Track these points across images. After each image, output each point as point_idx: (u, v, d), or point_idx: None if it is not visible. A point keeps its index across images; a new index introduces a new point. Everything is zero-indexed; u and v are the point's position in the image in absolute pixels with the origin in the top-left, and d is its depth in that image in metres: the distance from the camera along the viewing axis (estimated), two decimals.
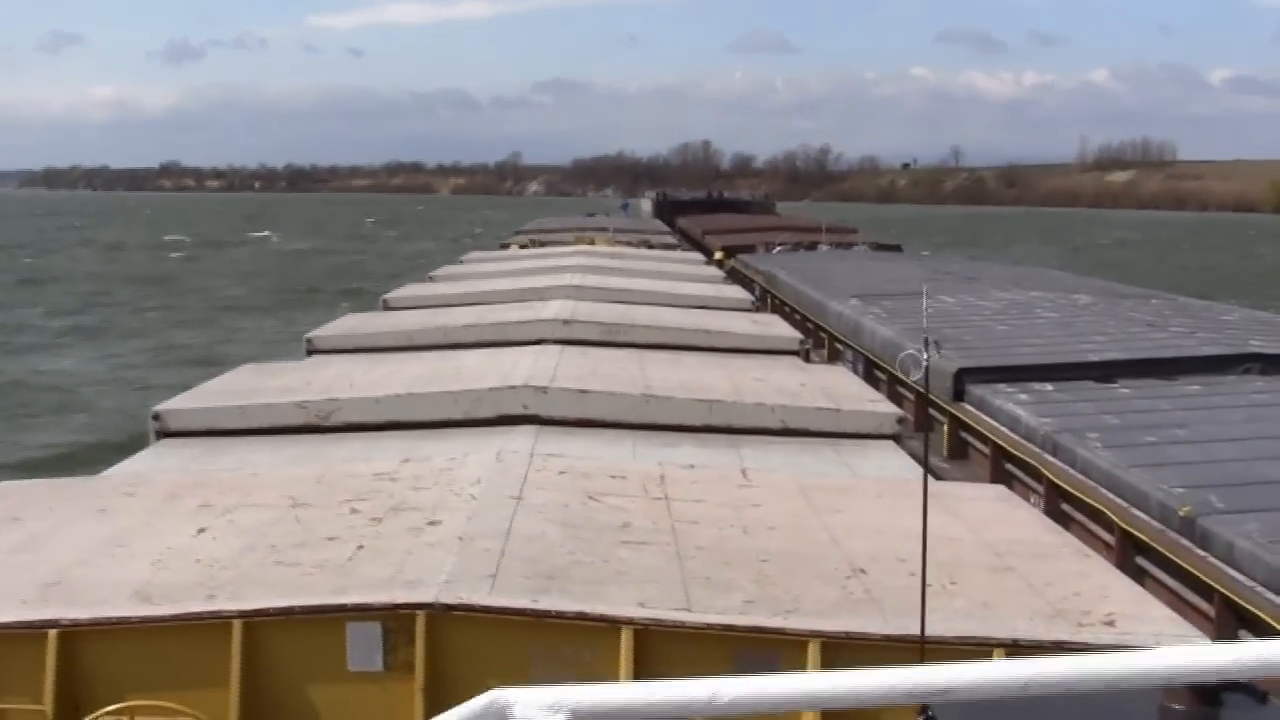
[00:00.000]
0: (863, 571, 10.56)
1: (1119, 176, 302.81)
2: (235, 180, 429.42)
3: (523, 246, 55.41)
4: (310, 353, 23.74)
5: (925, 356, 6.46)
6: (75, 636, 9.39)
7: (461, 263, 45.39)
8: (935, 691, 3.25)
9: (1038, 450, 18.28)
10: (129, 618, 9.45)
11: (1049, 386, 21.27)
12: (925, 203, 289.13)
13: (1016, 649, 9.25)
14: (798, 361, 23.19)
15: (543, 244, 55.70)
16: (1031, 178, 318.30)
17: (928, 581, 8.30)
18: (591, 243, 53.93)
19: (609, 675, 9.21)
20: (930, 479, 14.25)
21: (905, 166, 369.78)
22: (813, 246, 62.00)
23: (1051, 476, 17.54)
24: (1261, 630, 12.14)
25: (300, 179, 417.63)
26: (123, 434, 32.11)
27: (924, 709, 6.84)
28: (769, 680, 3.31)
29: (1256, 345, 24.17)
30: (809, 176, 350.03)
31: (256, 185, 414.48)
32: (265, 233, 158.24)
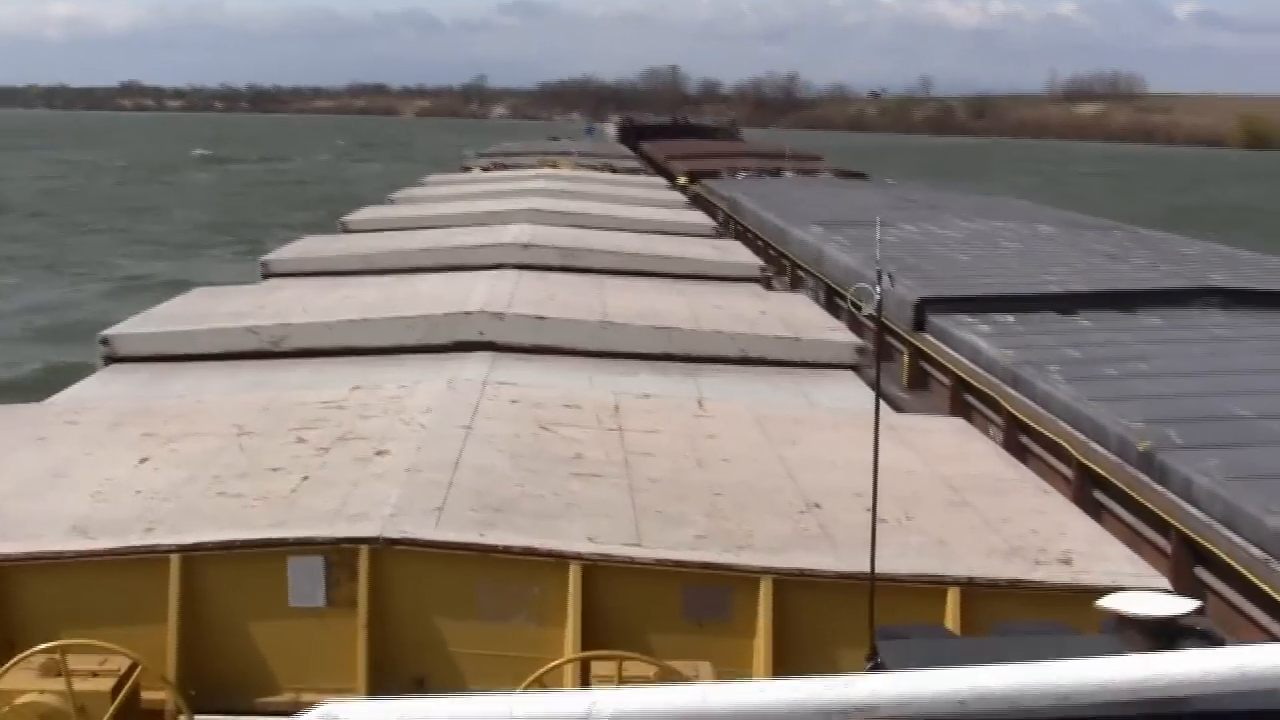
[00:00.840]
0: (817, 506, 10.36)
1: (1088, 109, 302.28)
2: (197, 100, 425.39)
3: (485, 169, 54.91)
4: (266, 276, 23.37)
5: (878, 290, 6.23)
6: (7, 571, 9.14)
7: (422, 185, 44.91)
8: (851, 704, 3.03)
9: (998, 382, 18.11)
10: (63, 552, 9.20)
11: (1010, 318, 21.10)
12: (894, 131, 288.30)
13: (971, 587, 9.08)
14: (759, 289, 22.96)
15: (505, 167, 55.21)
16: (1000, 108, 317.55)
17: (883, 517, 8.12)
18: (554, 166, 53.46)
19: (557, 611, 9.03)
20: (887, 411, 14.13)
21: (874, 95, 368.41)
22: (777, 173, 61.64)
23: (1011, 409, 17.38)
24: (1218, 568, 12.01)
25: (263, 100, 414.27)
26: (70, 359, 31.60)
27: (872, 652, 6.65)
28: (653, 693, 3.04)
29: (1217, 279, 24.05)
30: (776, 104, 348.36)
31: (218, 105, 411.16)
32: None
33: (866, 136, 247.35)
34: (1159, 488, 13.30)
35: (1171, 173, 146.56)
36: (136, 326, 17.79)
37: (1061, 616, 7.89)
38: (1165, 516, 12.94)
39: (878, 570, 7.88)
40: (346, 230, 30.28)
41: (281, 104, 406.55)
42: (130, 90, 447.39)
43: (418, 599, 9.09)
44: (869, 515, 7.81)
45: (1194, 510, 12.53)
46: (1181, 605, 5.68)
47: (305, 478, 10.43)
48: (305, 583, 9.13)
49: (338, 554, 9.08)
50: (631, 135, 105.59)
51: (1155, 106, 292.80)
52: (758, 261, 26.25)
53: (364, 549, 9.02)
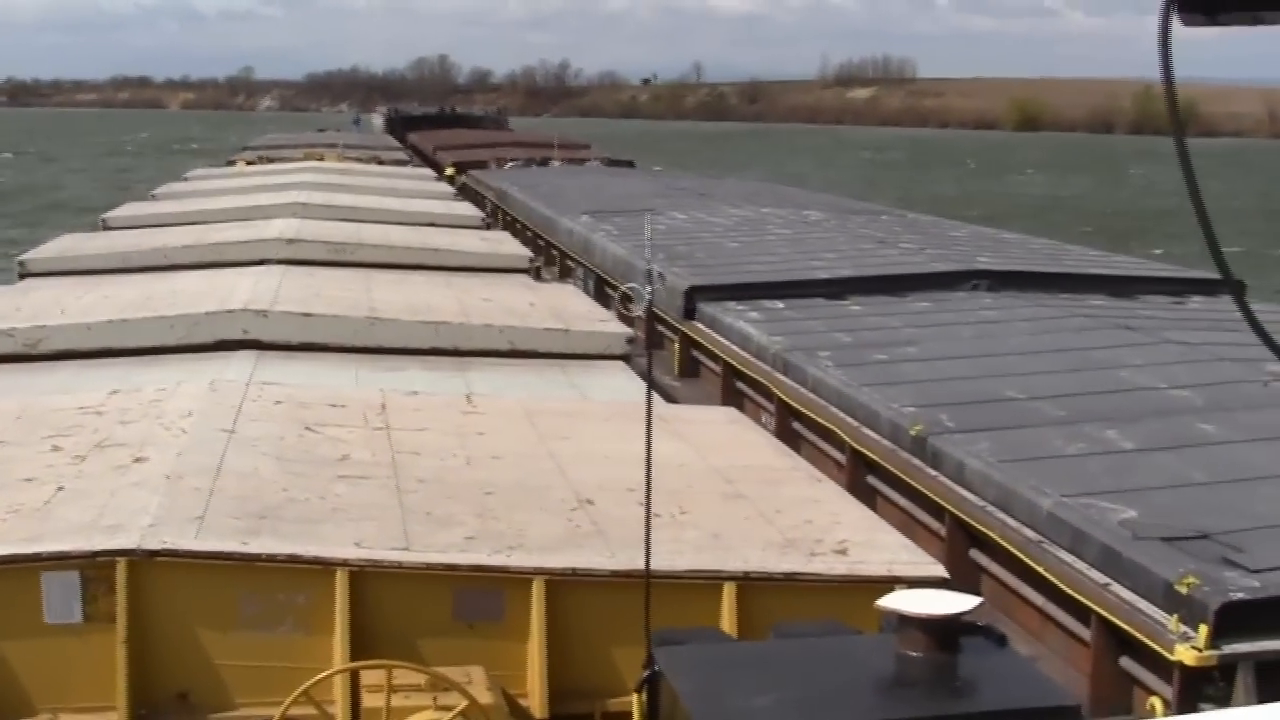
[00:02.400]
0: (590, 502, 10.21)
1: (860, 93, 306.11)
2: None
3: (250, 163, 53.97)
4: (23, 276, 22.64)
5: (649, 291, 6.09)
6: None
7: (186, 180, 43.98)
8: None
9: (768, 369, 18.13)
10: None
11: (780, 304, 21.18)
12: (667, 118, 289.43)
13: (748, 581, 9.00)
14: (528, 280, 22.82)
15: (271, 160, 54.34)
16: (773, 94, 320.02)
17: (656, 512, 7.97)
18: (320, 159, 52.76)
19: (324, 619, 8.76)
20: (659, 402, 14.01)
21: (646, 82, 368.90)
22: (545, 162, 61.51)
23: (783, 395, 17.40)
24: (992, 551, 12.09)
25: (22, 93, 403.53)
26: None
27: (649, 661, 6.52)
28: None
29: (984, 261, 24.42)
30: (549, 92, 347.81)
31: None
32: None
33: (640, 123, 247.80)
34: (932, 472, 13.37)
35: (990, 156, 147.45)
36: None
37: (840, 609, 7.86)
38: (939, 501, 13.01)
39: (653, 567, 7.76)
40: (107, 228, 29.46)
41: (42, 97, 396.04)
42: None
43: (180, 612, 8.74)
44: (643, 510, 7.70)
45: (967, 494, 12.61)
46: (962, 602, 5.63)
47: (60, 488, 9.99)
48: (61, 599, 8.73)
49: (94, 568, 8.69)
50: (399, 126, 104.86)
51: (927, 90, 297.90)
52: (526, 253, 26.11)
53: (122, 562, 8.65)
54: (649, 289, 6.59)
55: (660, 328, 22.14)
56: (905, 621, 5.56)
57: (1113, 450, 12.91)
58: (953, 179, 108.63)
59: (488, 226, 32.75)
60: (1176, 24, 3.15)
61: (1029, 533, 11.43)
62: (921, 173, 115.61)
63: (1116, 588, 10.08)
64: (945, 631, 5.43)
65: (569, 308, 19.15)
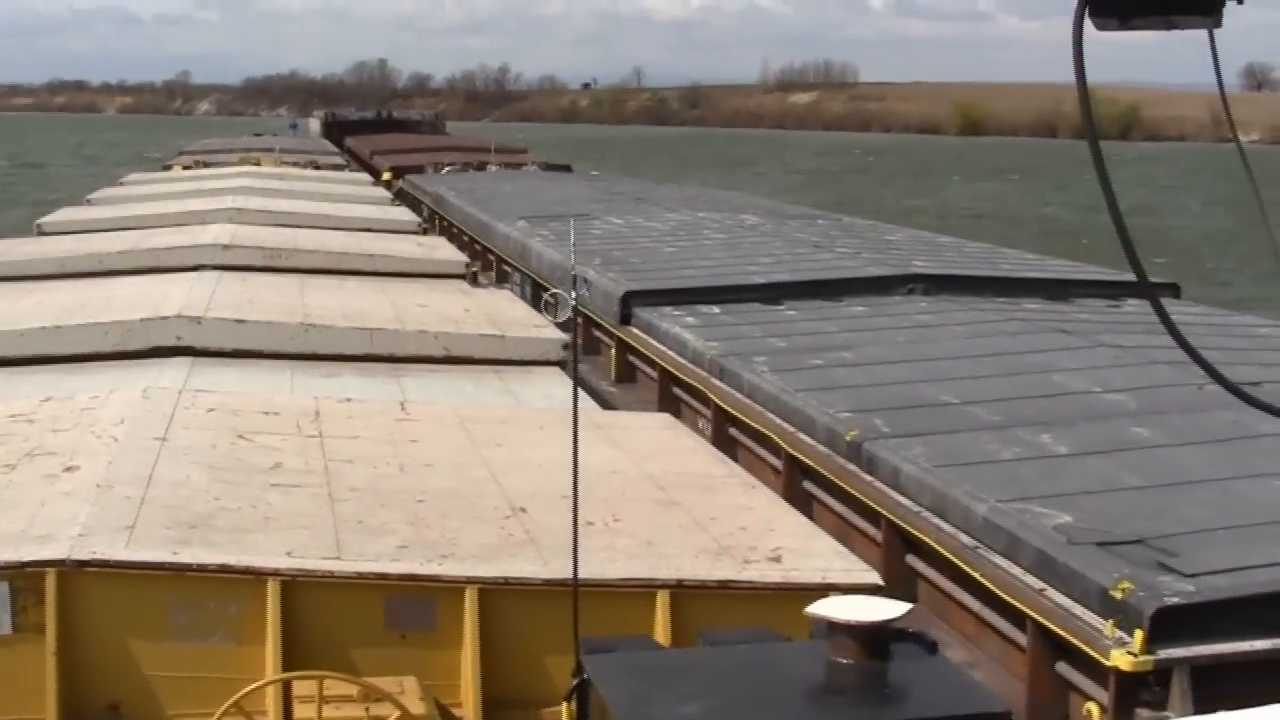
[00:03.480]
0: (523, 510, 10.14)
1: (802, 98, 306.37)
2: None
3: (186, 168, 53.63)
4: None
5: (573, 296, 6.05)
6: None
7: (122, 184, 43.65)
8: None
9: (704, 374, 18.13)
10: None
11: (716, 309, 21.19)
12: (608, 123, 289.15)
13: (680, 589, 8.95)
14: (463, 286, 22.70)
15: (207, 165, 54.01)
16: (714, 98, 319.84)
17: (589, 519, 7.95)
18: (257, 163, 52.44)
19: (256, 630, 8.66)
20: (594, 409, 13.99)
21: (586, 86, 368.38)
22: (482, 167, 61.42)
23: (719, 401, 17.39)
24: (928, 556, 12.09)
25: None
26: None
27: (578, 669, 6.46)
28: None
29: (920, 265, 24.52)
30: (488, 97, 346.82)
31: None
32: None
33: (580, 128, 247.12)
34: (868, 477, 13.38)
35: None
36: None
37: (774, 617, 7.81)
38: (875, 506, 13.01)
39: (584, 575, 7.70)
40: (41, 233, 29.19)
41: None
42: None
43: (110, 622, 8.63)
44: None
45: (902, 499, 12.62)
46: (893, 609, 5.59)
47: None
48: None
49: (24, 578, 8.57)
50: (335, 130, 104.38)
51: (869, 95, 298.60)
52: (462, 258, 25.98)
53: (51, 572, 8.52)
54: (574, 294, 6.53)
55: (596, 333, 22.11)
56: (835, 628, 5.51)
57: (1047, 455, 12.96)
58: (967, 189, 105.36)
59: (424, 232, 32.62)
60: (1090, 27, 3.14)
61: (964, 538, 11.45)
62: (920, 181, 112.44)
63: (1052, 593, 10.10)
64: (875, 638, 5.40)
65: (505, 313, 19.07)
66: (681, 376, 18.97)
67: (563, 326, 19.03)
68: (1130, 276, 23.92)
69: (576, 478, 6.76)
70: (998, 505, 11.35)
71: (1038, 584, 10.28)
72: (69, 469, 10.45)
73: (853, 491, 13.60)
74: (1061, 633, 9.82)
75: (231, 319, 16.83)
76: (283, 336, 16.71)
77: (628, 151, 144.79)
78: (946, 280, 22.95)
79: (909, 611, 5.66)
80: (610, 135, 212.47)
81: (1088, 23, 3.25)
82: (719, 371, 17.80)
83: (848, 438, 13.95)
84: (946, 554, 11.60)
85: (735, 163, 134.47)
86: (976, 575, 11.04)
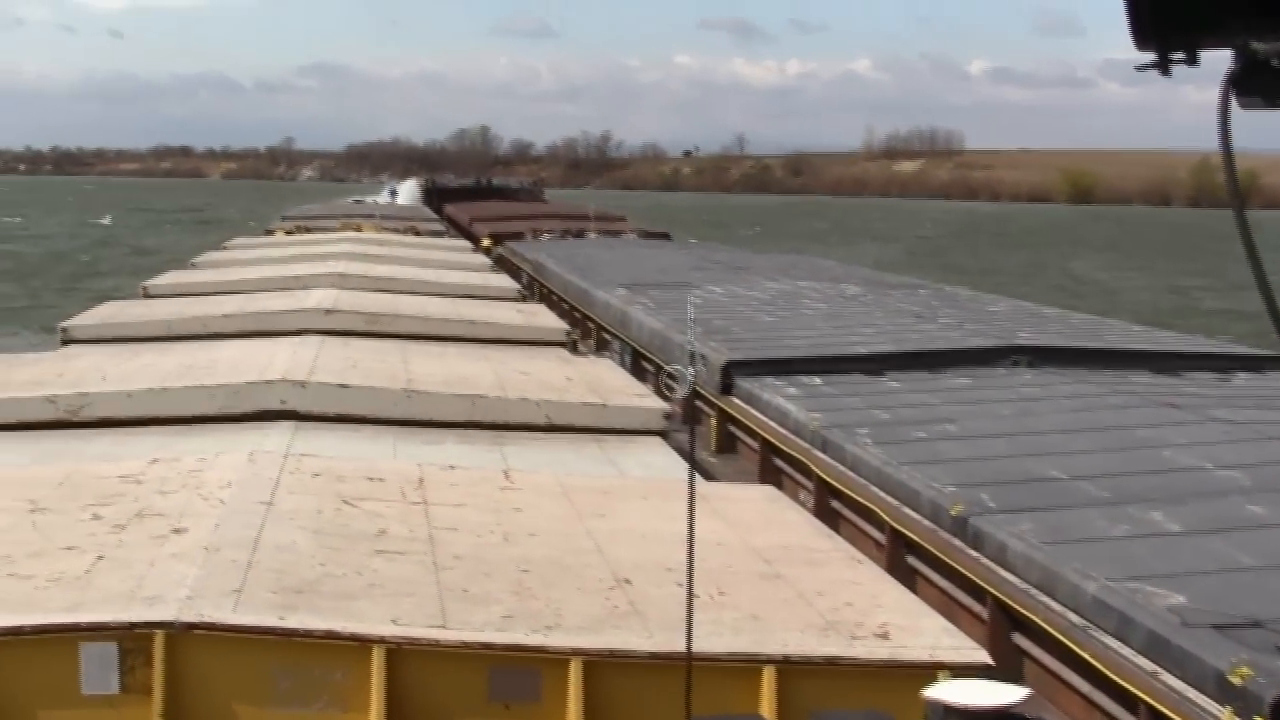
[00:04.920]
0: (627, 582, 10.09)
1: (907, 165, 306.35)
2: None
3: (288, 233, 54.25)
4: (65, 343, 22.73)
5: (691, 373, 6.01)
6: None
7: (225, 249, 44.23)
8: None
9: (807, 446, 17.99)
10: None
11: (818, 380, 21.05)
12: (710, 190, 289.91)
13: (787, 665, 8.86)
14: (564, 353, 22.77)
15: (309, 230, 54.58)
16: (817, 166, 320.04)
17: (694, 593, 7.85)
18: (358, 229, 52.99)
19: (360, 697, 8.65)
20: (697, 479, 13.91)
21: (687, 154, 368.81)
22: (581, 234, 61.66)
23: (821, 473, 17.25)
24: (1035, 635, 11.91)
25: (67, 162, 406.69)
26: None
27: None
28: None
29: (1024, 337, 24.27)
30: (590, 164, 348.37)
31: (21, 168, 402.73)
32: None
33: (682, 196, 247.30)
34: (973, 553, 13.19)
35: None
36: None
37: (882, 694, 7.73)
38: (981, 583, 12.82)
39: (692, 650, 7.63)
40: (148, 295, 29.59)
41: (86, 166, 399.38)
42: None
43: (215, 686, 8.65)
44: (681, 591, 7.58)
45: (1010, 576, 12.44)
46: (1010, 694, 5.50)
47: (100, 557, 9.93)
48: (98, 669, 8.66)
49: (132, 639, 8.61)
50: (435, 197, 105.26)
51: (974, 162, 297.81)
52: (563, 325, 26.04)
53: (159, 634, 8.57)
54: (692, 371, 6.51)
55: (697, 403, 22.01)
56: (952, 713, 5.43)
57: (1158, 533, 12.73)
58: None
59: (524, 299, 32.75)
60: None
61: (1074, 617, 11.25)
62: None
63: (1165, 676, 9.89)
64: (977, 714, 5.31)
65: (606, 382, 19.07)
66: (783, 448, 18.84)
67: (665, 396, 19.04)
68: (1239, 350, 23.71)
69: (692, 551, 6.70)
70: (1108, 584, 11.16)
71: (1150, 666, 10.08)
72: (177, 531, 10.51)
73: (958, 567, 13.42)
74: (1176, 718, 9.62)
75: (335, 384, 16.93)
76: (386, 402, 16.78)
77: (730, 219, 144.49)
78: (1051, 352, 22.71)
79: (1026, 698, 5.58)
80: (712, 203, 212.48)
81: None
82: (821, 443, 17.67)
83: (953, 512, 13.80)
84: (1055, 633, 11.41)
85: (843, 230, 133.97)
86: (1086, 656, 10.85)
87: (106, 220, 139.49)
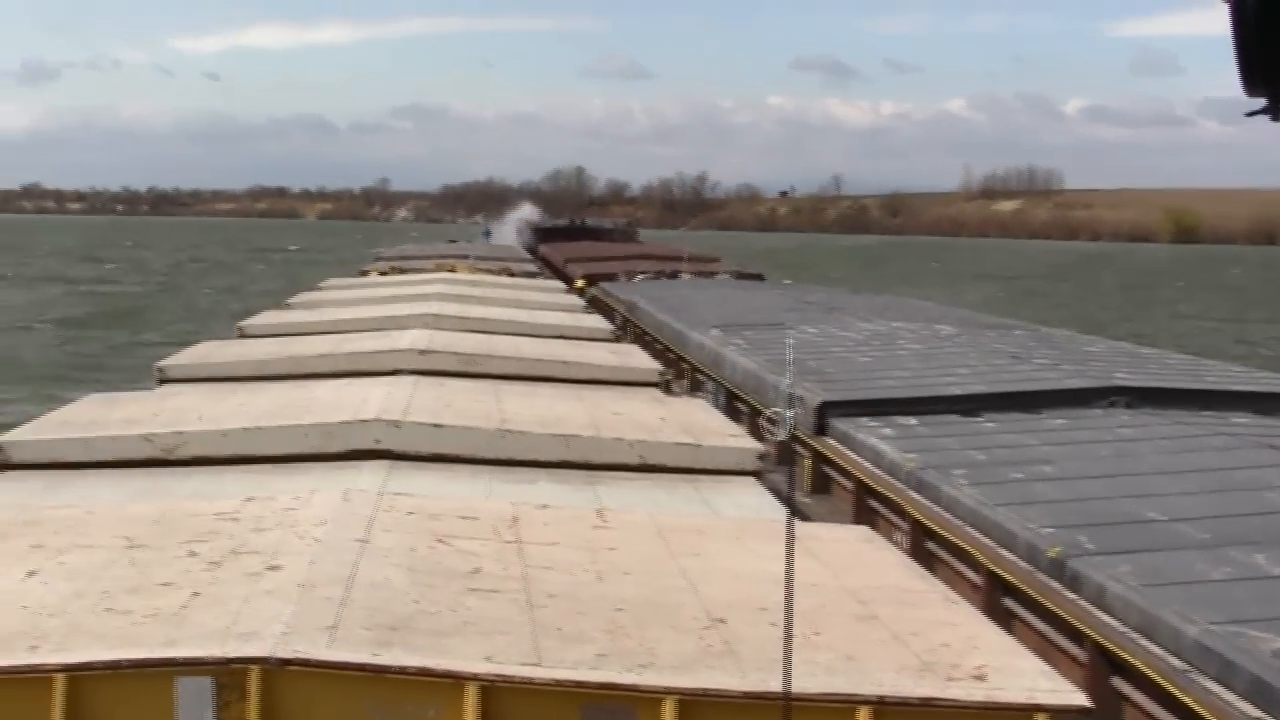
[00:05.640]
0: (721, 621, 10.09)
1: (1006, 205, 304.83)
2: (97, 203, 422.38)
3: (383, 273, 54.72)
4: (161, 382, 23.04)
5: (791, 415, 6.03)
6: None
7: (320, 289, 44.63)
8: None
9: (902, 487, 17.96)
10: None
11: (913, 420, 21.02)
12: (807, 230, 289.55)
13: (883, 705, 8.83)
14: (658, 394, 22.79)
15: (403, 271, 55.00)
16: (914, 206, 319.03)
17: (791, 634, 7.86)
18: (452, 270, 53.38)
19: None
20: (795, 521, 13.90)
21: (784, 194, 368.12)
22: (675, 275, 61.81)
23: (916, 514, 17.21)
24: (1135, 679, 11.82)
25: (164, 202, 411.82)
26: None
27: None
28: None
29: (1121, 378, 24.08)
30: (685, 204, 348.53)
31: (119, 209, 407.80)
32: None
33: (778, 236, 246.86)
34: (1071, 595, 13.13)
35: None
36: (28, 433, 17.41)
37: None
38: (1079, 625, 12.76)
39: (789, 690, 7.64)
40: (243, 335, 29.92)
41: (182, 206, 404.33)
42: (32, 192, 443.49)
43: None
44: (775, 631, 7.59)
45: (1108, 619, 12.36)
46: None
47: (196, 593, 10.05)
48: (194, 704, 8.75)
49: (228, 674, 8.70)
50: (530, 237, 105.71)
51: (1074, 202, 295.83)
52: (656, 366, 26.09)
53: (255, 669, 8.65)
54: (791, 412, 6.52)
55: (792, 443, 22.00)
56: None
57: (1261, 576, 12.62)
58: None
59: (617, 339, 32.83)
60: None
61: (1174, 661, 11.17)
62: None
63: None
64: None
65: (699, 422, 19.07)
66: (878, 488, 18.83)
67: (758, 435, 19.04)
68: None
69: (790, 591, 6.71)
70: (1210, 628, 11.07)
71: (1254, 712, 9.99)
72: (272, 568, 10.61)
73: (1056, 610, 13.35)
74: None
75: (430, 423, 17.04)
76: (480, 442, 16.88)
77: (827, 259, 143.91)
78: (1150, 393, 22.54)
79: None
80: (809, 243, 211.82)
81: None
82: (917, 484, 17.63)
83: (1050, 554, 13.73)
84: (1155, 677, 11.32)
85: (943, 271, 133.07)
86: (1188, 701, 10.76)
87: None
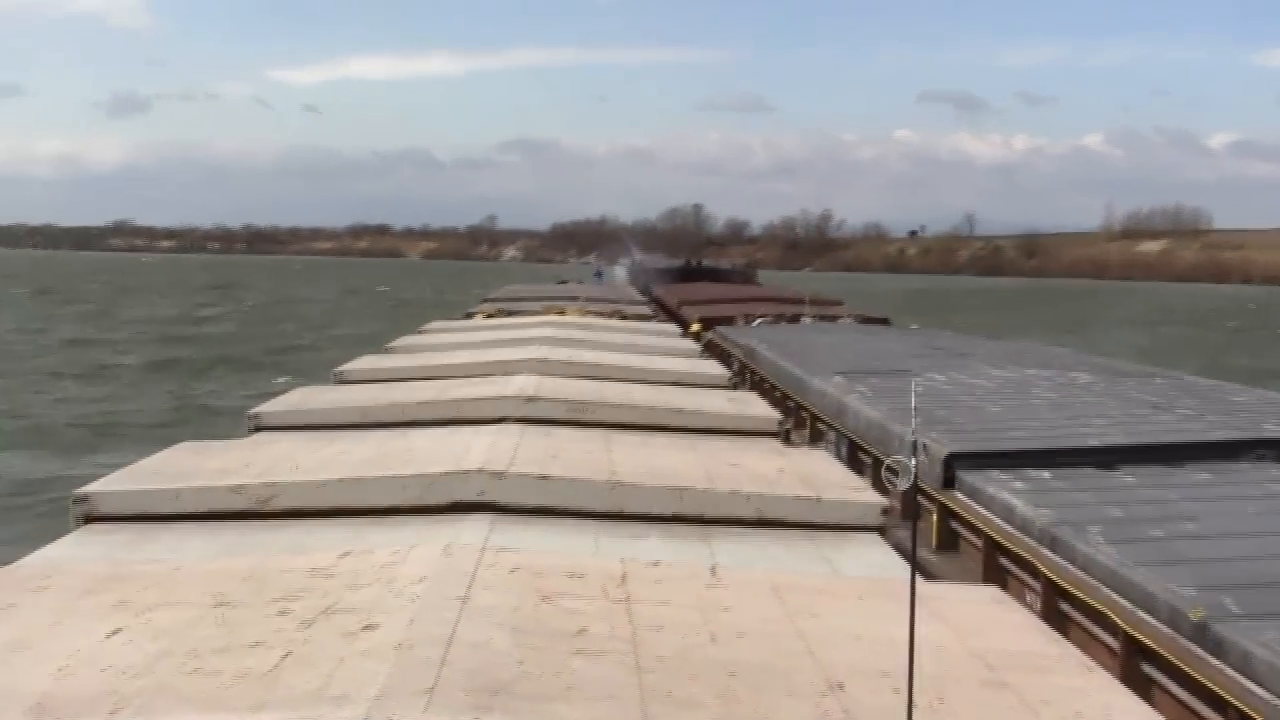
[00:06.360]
0: (840, 686, 10.02)
1: (1151, 246, 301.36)
2: (189, 240, 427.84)
3: (488, 316, 54.94)
4: (255, 429, 23.19)
5: (914, 463, 6.00)
6: None
7: (422, 332, 44.88)
8: None
9: (1034, 544, 17.81)
10: None
11: (1046, 474, 20.84)
12: (938, 272, 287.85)
13: None
14: (776, 444, 22.69)
15: (510, 313, 55.22)
16: (1052, 247, 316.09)
17: (914, 700, 7.79)
18: (561, 313, 53.50)
19: None
20: (918, 579, 13.82)
21: (913, 234, 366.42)
22: (795, 319, 61.76)
23: (1049, 573, 17.05)
24: None
25: (259, 240, 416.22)
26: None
27: None
28: None
29: (1271, 429, 23.76)
30: (809, 244, 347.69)
31: (213, 246, 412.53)
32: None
33: (908, 278, 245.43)
34: (1215, 662, 12.95)
35: None
36: (115, 484, 17.51)
37: None
38: (1223, 694, 12.57)
39: None
40: (340, 380, 30.13)
41: (279, 244, 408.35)
42: (122, 229, 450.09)
43: None
44: (899, 698, 7.52)
45: (1255, 687, 12.18)
46: None
47: (288, 654, 10.09)
48: None
49: None
50: (642, 279, 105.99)
51: (1224, 243, 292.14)
52: (775, 415, 25.97)
53: None
54: (914, 462, 6.49)
55: (918, 497, 21.92)
56: None
57: None
58: None
59: (734, 386, 32.73)
60: None
61: None
62: None
63: None
64: None
65: (820, 474, 18.97)
66: (1009, 546, 18.68)
67: (882, 488, 18.92)
68: None
69: (913, 655, 6.65)
70: None
71: None
72: (368, 627, 10.64)
73: (1198, 677, 13.17)
74: None
75: (535, 475, 17.03)
76: (588, 494, 16.86)
77: (958, 303, 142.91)
78: None
79: None
80: (940, 286, 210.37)
81: None
82: (1050, 541, 17.47)
83: (1193, 617, 13.55)
84: None
85: (1085, 316, 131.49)
86: None
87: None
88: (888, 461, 6.53)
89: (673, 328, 54.91)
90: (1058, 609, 16.72)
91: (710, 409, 25.24)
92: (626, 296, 78.29)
